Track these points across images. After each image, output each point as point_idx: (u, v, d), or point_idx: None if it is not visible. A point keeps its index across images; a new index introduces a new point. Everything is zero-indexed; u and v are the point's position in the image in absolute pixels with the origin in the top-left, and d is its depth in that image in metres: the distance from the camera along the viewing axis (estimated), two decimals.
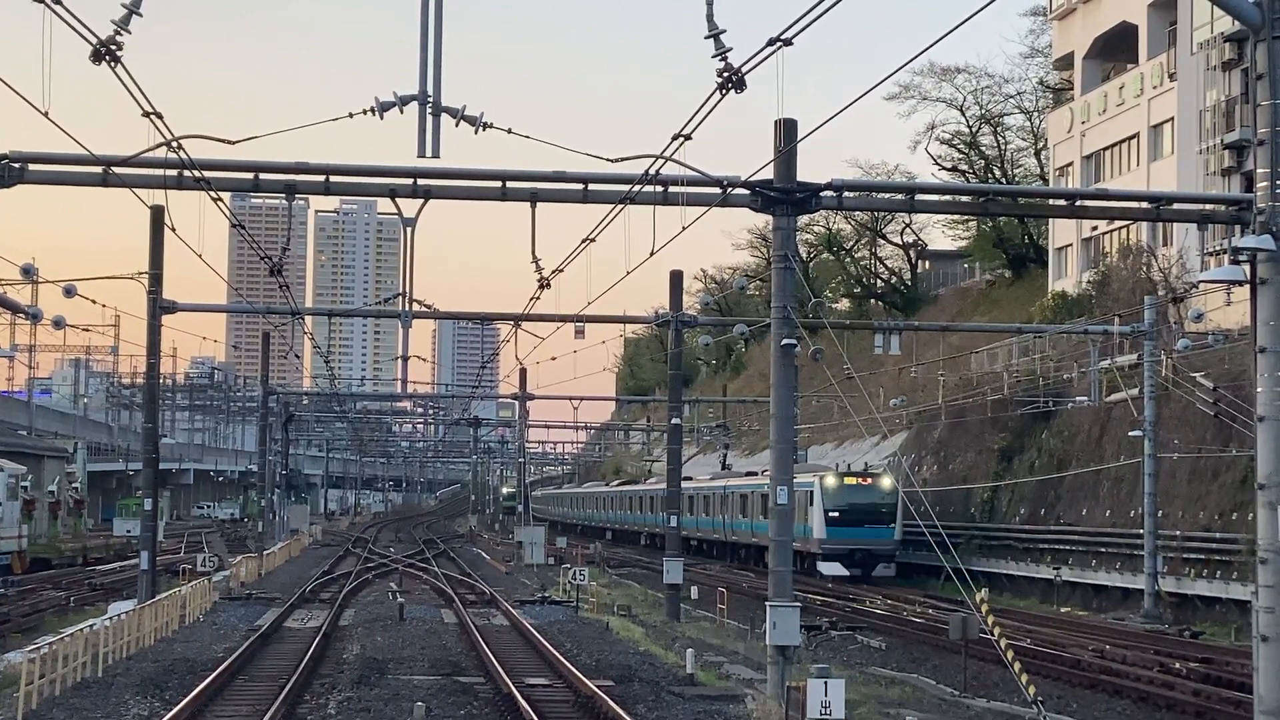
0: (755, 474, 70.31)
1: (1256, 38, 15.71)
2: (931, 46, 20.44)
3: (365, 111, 22.92)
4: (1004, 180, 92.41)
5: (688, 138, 22.24)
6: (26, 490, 66.84)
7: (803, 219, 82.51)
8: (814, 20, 17.07)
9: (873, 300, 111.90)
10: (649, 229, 25.94)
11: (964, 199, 37.40)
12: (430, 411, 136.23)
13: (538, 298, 32.25)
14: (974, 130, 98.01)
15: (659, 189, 25.81)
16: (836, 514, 59.38)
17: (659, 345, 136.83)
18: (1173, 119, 65.23)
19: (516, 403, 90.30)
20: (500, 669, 28.65)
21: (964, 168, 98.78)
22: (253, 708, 24.32)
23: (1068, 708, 27.65)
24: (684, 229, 25.81)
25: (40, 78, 18.49)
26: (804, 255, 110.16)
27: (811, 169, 26.49)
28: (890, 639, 39.33)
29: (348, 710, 24.64)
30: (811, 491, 59.48)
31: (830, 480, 60.29)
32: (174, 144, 23.73)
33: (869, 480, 60.85)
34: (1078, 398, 57.42)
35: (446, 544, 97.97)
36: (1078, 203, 31.00)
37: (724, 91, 19.91)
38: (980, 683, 30.64)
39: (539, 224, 26.68)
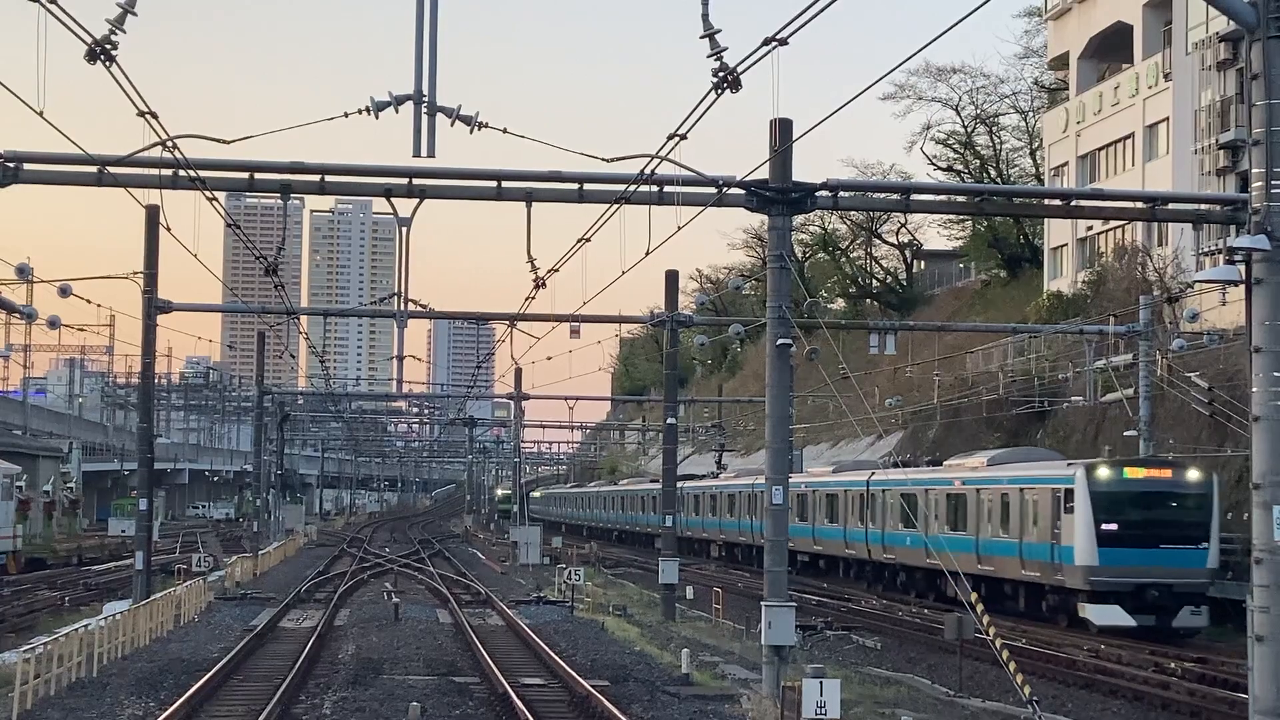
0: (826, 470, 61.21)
1: (1252, 37, 15.70)
2: (926, 46, 20.42)
3: (361, 111, 22.93)
4: (999, 180, 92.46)
5: (683, 137, 22.26)
6: (21, 490, 66.77)
7: (798, 219, 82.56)
8: (809, 20, 17.08)
9: (868, 300, 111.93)
10: (644, 229, 25.99)
11: (959, 199, 37.44)
12: (425, 411, 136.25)
13: (533, 297, 32.30)
14: (969, 130, 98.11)
15: (654, 189, 25.84)
16: (1115, 526, 38.32)
17: (654, 345, 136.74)
18: (1168, 119, 65.24)
19: (512, 402, 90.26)
20: (495, 669, 28.65)
21: (959, 168, 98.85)
22: (248, 708, 24.30)
23: (1063, 708, 27.65)
24: (679, 229, 25.87)
25: (35, 77, 18.50)
26: (799, 255, 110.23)
27: (807, 169, 26.52)
28: (886, 639, 39.32)
29: (343, 710, 24.64)
30: (1069, 490, 39.37)
31: (1104, 472, 39.18)
32: (169, 144, 23.72)
33: (1167, 471, 40.11)
34: (1073, 398, 57.42)
35: (442, 544, 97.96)
36: (1073, 203, 31.03)
37: (719, 91, 19.91)
38: (976, 683, 30.64)
39: (534, 224, 26.71)
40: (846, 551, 56.72)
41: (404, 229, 27.33)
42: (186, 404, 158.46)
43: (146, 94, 20.96)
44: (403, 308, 32.29)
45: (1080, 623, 38.74)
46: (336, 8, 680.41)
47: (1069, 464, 41.40)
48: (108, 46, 18.89)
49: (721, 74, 19.71)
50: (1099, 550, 38.21)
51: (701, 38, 19.97)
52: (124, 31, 19.01)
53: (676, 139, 22.36)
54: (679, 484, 79.40)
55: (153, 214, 38.91)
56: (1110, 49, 74.17)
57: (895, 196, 32.13)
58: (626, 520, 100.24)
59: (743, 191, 26.51)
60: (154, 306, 41.96)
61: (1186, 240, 59.39)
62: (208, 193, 25.97)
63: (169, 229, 27.62)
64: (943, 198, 36.83)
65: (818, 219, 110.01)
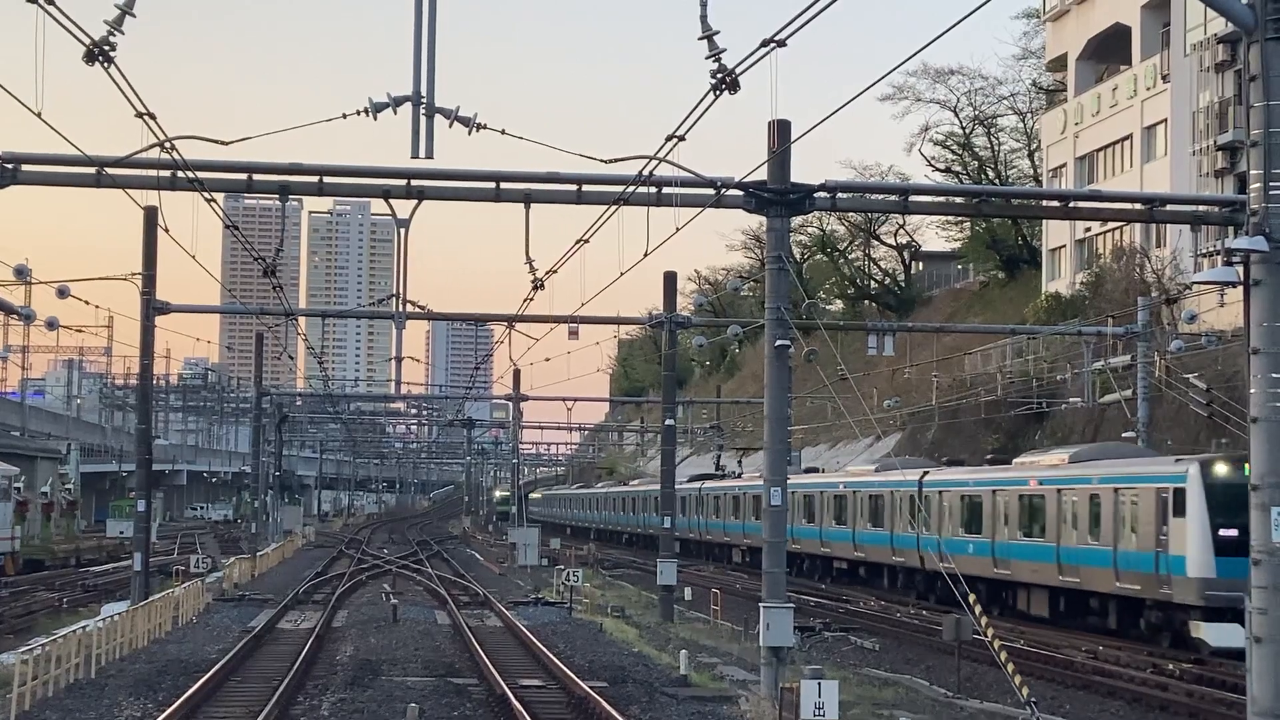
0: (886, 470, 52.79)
1: (1249, 39, 15.70)
2: (925, 48, 20.46)
3: (359, 112, 22.93)
4: (997, 181, 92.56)
5: (681, 139, 22.27)
6: (19, 491, 66.73)
7: (796, 220, 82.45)
8: (808, 21, 17.09)
9: (867, 301, 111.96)
10: (643, 230, 26.02)
11: (957, 200, 37.49)
12: (424, 412, 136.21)
13: (531, 299, 32.33)
14: (968, 132, 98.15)
15: (653, 190, 25.87)
16: (1235, 532, 31.61)
17: (653, 346, 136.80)
18: (1166, 120, 65.28)
19: (510, 404, 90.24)
20: (494, 670, 28.64)
21: (957, 169, 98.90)
22: (246, 709, 24.30)
23: (1061, 709, 27.63)
24: (678, 230, 25.91)
25: (34, 78, 18.49)
26: (798, 256, 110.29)
27: (805, 170, 26.57)
28: (884, 640, 39.29)
29: (341, 711, 24.63)
30: (1179, 490, 34.20)
31: (1222, 470, 33.83)
32: (167, 145, 23.73)
33: None
34: (1071, 399, 57.46)
35: (440, 545, 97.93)
36: (1071, 204, 31.05)
37: (718, 93, 19.91)
38: (974, 684, 30.62)
39: (533, 225, 26.72)
40: (894, 559, 51.47)
41: (402, 230, 27.34)
42: (185, 405, 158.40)
43: (145, 95, 20.97)
44: (401, 309, 32.28)
45: (1187, 643, 33.62)
46: (336, 8, 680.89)
47: (1177, 460, 36.60)
48: (106, 48, 18.89)
49: (720, 75, 19.72)
50: (1216, 560, 32.80)
51: (700, 39, 19.98)
52: (122, 33, 19.01)
53: (675, 140, 22.37)
54: (698, 485, 79.89)
55: (151, 215, 38.92)
56: (1108, 50, 74.20)
57: (893, 198, 32.16)
58: (636, 522, 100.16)
59: (741, 193, 26.53)
60: (152, 308, 41.95)
61: (1185, 242, 59.44)
62: (206, 194, 25.98)
63: (167, 230, 27.73)
64: (941, 199, 36.82)
65: (816, 220, 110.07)
